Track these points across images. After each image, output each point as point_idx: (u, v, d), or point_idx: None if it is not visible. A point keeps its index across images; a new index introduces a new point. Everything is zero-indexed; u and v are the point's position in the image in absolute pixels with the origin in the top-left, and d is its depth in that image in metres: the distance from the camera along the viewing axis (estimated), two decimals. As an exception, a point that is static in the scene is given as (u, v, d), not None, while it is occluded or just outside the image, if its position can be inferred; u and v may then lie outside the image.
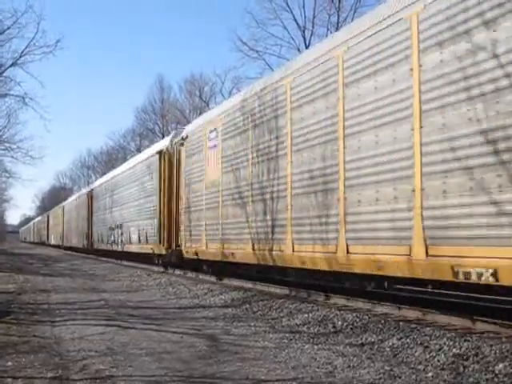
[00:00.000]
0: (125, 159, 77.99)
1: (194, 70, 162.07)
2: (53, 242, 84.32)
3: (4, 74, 38.74)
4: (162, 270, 29.40)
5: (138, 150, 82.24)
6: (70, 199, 75.25)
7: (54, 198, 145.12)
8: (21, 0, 74.17)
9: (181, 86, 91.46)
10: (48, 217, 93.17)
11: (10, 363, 8.98)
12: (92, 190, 52.07)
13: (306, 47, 50.44)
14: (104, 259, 44.97)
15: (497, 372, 7.81)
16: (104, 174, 72.96)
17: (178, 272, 27.15)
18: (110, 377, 8.11)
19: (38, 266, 37.61)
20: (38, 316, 14.00)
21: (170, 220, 26.68)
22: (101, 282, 25.32)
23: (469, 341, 9.24)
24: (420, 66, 10.85)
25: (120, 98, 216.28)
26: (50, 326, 12.48)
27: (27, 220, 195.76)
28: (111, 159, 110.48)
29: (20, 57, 37.91)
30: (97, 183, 53.05)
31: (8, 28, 36.39)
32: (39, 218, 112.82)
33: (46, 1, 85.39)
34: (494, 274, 9.15)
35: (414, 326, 10.80)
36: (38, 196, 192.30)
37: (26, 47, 37.76)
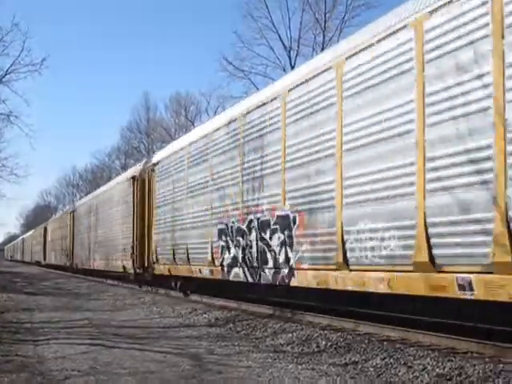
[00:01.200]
0: (110, 178, 78.00)
1: (180, 88, 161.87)
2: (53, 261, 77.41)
3: (-11, 92, 38.69)
4: (148, 289, 29.48)
5: (123, 169, 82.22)
6: (53, 218, 75.49)
7: (38, 216, 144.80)
8: (6, 18, 74.11)
9: (166, 105, 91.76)
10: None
11: (-9, 382, 8.92)
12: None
13: (292, 67, 50.72)
14: (89, 278, 44.76)
15: (480, 392, 7.83)
16: (88, 192, 72.92)
17: (162, 291, 27.10)
18: (92, 396, 8.08)
19: (22, 285, 37.37)
20: (20, 335, 13.91)
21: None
22: (85, 300, 25.18)
23: (452, 361, 9.27)
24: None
25: (105, 116, 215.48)
26: (33, 345, 12.40)
27: (12, 238, 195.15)
28: (96, 178, 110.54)
29: (5, 75, 37.93)
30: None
31: (-8, 46, 36.37)
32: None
33: (32, 19, 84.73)
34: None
35: (397, 345, 10.82)
36: (22, 214, 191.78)
37: (11, 65, 37.82)
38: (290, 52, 55.49)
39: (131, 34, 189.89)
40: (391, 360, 9.87)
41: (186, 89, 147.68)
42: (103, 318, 17.92)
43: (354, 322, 13.50)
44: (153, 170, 26.98)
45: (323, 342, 11.88)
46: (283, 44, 55.83)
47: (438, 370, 8.98)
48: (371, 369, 9.60)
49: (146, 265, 27.73)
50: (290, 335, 12.93)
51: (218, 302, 20.59)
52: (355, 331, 12.84)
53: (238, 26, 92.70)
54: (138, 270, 28.81)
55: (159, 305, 21.45)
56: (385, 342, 11.21)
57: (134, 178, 29.88)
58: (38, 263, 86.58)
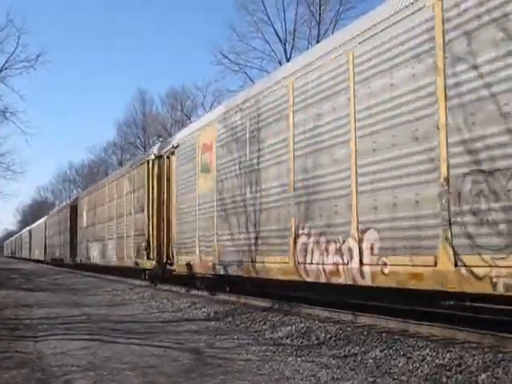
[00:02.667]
0: (106, 173, 77.80)
1: (176, 83, 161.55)
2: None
3: (-16, 89, 38.65)
4: (145, 283, 29.30)
5: (120, 164, 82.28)
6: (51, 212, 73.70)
7: (35, 212, 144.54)
8: (1, 14, 73.99)
9: (163, 100, 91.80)
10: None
11: (-9, 379, 8.93)
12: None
13: (287, 60, 50.67)
14: (86, 274, 44.72)
15: (480, 382, 7.83)
16: (86, 187, 72.03)
17: (161, 286, 27.06)
18: (92, 392, 8.09)
19: (21, 281, 37.34)
20: (20, 331, 13.89)
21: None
22: (83, 296, 25.17)
23: (451, 351, 9.28)
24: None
25: (102, 112, 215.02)
26: (33, 341, 12.39)
27: (9, 234, 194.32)
28: (92, 173, 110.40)
29: (0, 71, 37.80)
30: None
31: (-12, 43, 36.25)
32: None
33: (28, 14, 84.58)
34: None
35: (396, 337, 10.83)
36: (19, 210, 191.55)
37: (6, 61, 37.72)
38: (285, 45, 55.54)
39: (125, 29, 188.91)
40: (390, 351, 9.89)
41: (181, 84, 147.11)
42: (102, 313, 17.91)
43: (352, 313, 13.51)
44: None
45: (322, 335, 11.89)
46: (278, 37, 55.94)
47: (437, 360, 8.99)
48: (371, 360, 9.61)
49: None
50: (289, 328, 12.94)
51: (217, 296, 20.57)
52: (354, 323, 12.86)
53: (233, 20, 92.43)
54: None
55: (158, 299, 21.44)
56: (384, 334, 11.22)
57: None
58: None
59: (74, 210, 50.47)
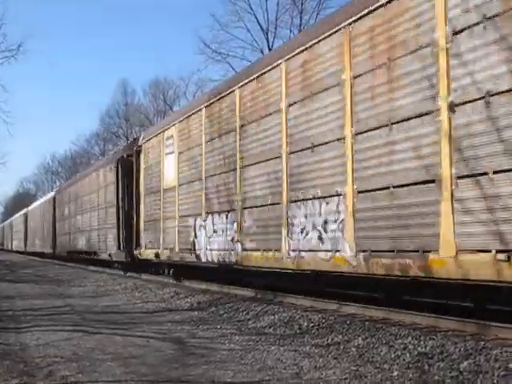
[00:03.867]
0: (89, 164, 77.48)
1: (158, 72, 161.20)
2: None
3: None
4: (127, 274, 29.37)
5: (102, 155, 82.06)
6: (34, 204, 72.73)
7: (18, 203, 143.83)
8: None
9: (145, 90, 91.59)
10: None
11: (-26, 371, 8.89)
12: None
13: (269, 49, 50.60)
14: (70, 265, 44.62)
15: (461, 370, 7.87)
16: (68, 179, 71.50)
17: (144, 276, 27.06)
18: (75, 383, 8.06)
19: (3, 273, 37.21)
20: (2, 323, 13.85)
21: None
22: (66, 287, 25.16)
23: (434, 339, 9.32)
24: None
25: (84, 103, 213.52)
26: (15, 333, 12.36)
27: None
28: (75, 164, 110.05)
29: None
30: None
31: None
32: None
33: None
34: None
35: (379, 325, 10.85)
36: (2, 202, 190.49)
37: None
38: (267, 34, 55.36)
39: (108, 19, 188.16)
40: (373, 340, 9.92)
41: (164, 74, 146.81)
42: (85, 304, 17.90)
43: (336, 303, 13.52)
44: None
45: (305, 324, 11.91)
46: (260, 26, 55.70)
47: (419, 348, 9.03)
48: (353, 349, 9.65)
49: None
50: (273, 317, 12.96)
51: (200, 286, 20.57)
52: (337, 312, 12.86)
53: (217, 9, 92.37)
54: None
55: (141, 290, 21.46)
56: (366, 322, 11.24)
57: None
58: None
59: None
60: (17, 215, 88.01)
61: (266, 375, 8.23)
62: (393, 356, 8.92)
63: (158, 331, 12.22)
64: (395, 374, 8.06)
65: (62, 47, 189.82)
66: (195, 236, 19.43)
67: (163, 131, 23.16)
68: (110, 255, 31.07)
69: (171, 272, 24.08)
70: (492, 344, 8.66)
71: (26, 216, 72.37)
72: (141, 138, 27.01)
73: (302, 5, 53.60)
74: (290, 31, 53.15)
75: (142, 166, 25.87)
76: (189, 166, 20.29)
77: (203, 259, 18.78)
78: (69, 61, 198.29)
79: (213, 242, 18.05)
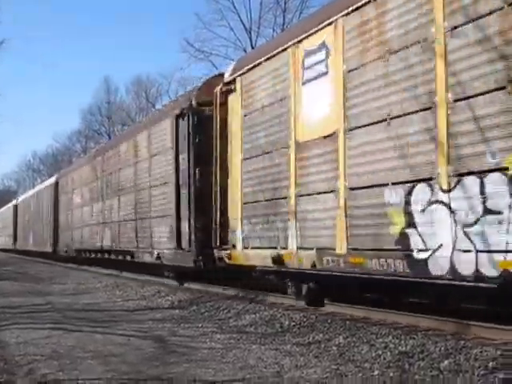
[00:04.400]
0: (70, 161, 77.14)
1: (141, 70, 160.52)
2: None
3: None
4: (111, 272, 29.08)
5: (84, 152, 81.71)
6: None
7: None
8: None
9: (128, 88, 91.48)
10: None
11: (-48, 369, 8.84)
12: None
13: (252, 48, 50.53)
14: (52, 262, 44.37)
15: (442, 369, 7.90)
16: (50, 176, 68.24)
17: (125, 274, 26.93)
18: (55, 381, 8.03)
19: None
20: (-19, 321, 13.79)
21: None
22: (48, 285, 25.05)
23: (414, 338, 9.36)
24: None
25: (67, 100, 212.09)
26: (-5, 331, 12.32)
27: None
28: (57, 161, 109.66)
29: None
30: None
31: None
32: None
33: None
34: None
35: (360, 324, 10.89)
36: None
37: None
38: (250, 33, 55.32)
39: (91, 16, 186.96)
40: (354, 339, 9.95)
41: (147, 71, 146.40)
42: (66, 301, 17.84)
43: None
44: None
45: (287, 322, 11.93)
46: (244, 25, 55.65)
47: (400, 347, 9.07)
48: (334, 348, 9.66)
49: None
50: (254, 316, 12.97)
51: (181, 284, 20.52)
52: (318, 311, 12.89)
53: (200, 7, 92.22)
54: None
55: (122, 288, 21.39)
56: (347, 321, 11.27)
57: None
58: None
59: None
60: (3, 208, 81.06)
61: (247, 374, 8.21)
62: (373, 355, 8.94)
63: (138, 329, 12.19)
64: (376, 372, 8.07)
65: (45, 46, 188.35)
66: (410, 224, 9.88)
67: (297, 43, 13.18)
68: (159, 257, 20.83)
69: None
70: (472, 343, 8.71)
71: (15, 209, 65.00)
72: (229, 70, 16.74)
73: (285, 4, 53.59)
74: (273, 30, 53.18)
75: (237, 113, 15.75)
76: (380, 90, 10.70)
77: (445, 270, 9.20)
78: (52, 59, 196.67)
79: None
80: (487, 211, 8.41)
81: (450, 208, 9.04)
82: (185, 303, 16.18)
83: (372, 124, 10.82)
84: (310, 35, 12.80)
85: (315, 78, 12.58)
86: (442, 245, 9.18)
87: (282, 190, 13.53)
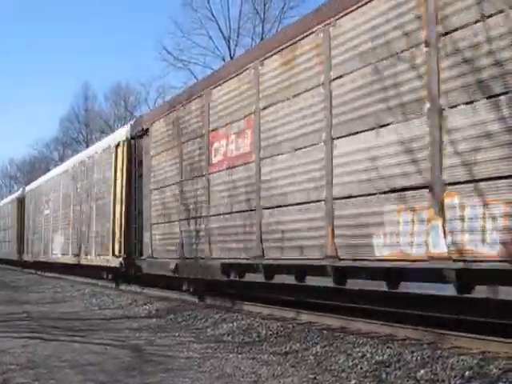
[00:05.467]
0: (48, 169, 76.70)
1: (120, 78, 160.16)
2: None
3: None
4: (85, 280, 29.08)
5: (61, 160, 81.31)
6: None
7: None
8: None
9: (106, 96, 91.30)
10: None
11: None
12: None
13: (231, 57, 50.70)
14: (26, 270, 44.17)
15: (418, 378, 7.92)
16: (28, 183, 67.09)
17: (100, 283, 26.88)
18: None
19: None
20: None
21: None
22: (23, 293, 24.90)
23: (391, 348, 9.38)
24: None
25: (44, 106, 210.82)
26: (-31, 340, 12.21)
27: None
28: (34, 169, 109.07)
29: None
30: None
31: None
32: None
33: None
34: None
35: (337, 334, 10.92)
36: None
37: None
38: (229, 42, 55.53)
39: (70, 21, 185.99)
40: (331, 348, 9.96)
41: (126, 79, 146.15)
42: (42, 310, 17.75)
43: (295, 311, 13.57)
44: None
45: (264, 332, 11.92)
46: (222, 34, 55.86)
47: (377, 357, 9.08)
48: (311, 357, 9.66)
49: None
50: (231, 325, 12.96)
51: (158, 293, 20.50)
52: (296, 320, 12.91)
53: (178, 17, 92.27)
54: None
55: (99, 296, 21.33)
56: (325, 331, 11.29)
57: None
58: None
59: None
60: None
61: (224, 383, 8.22)
62: (350, 364, 8.96)
63: (115, 338, 12.14)
64: (353, 382, 8.08)
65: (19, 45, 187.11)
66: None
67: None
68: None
69: None
70: (448, 353, 8.73)
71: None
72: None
73: (264, 14, 54.01)
74: (252, 39, 53.44)
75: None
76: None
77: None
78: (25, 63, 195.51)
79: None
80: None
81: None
82: (162, 312, 16.14)
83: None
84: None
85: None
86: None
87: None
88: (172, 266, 18.29)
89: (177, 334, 12.55)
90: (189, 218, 17.33)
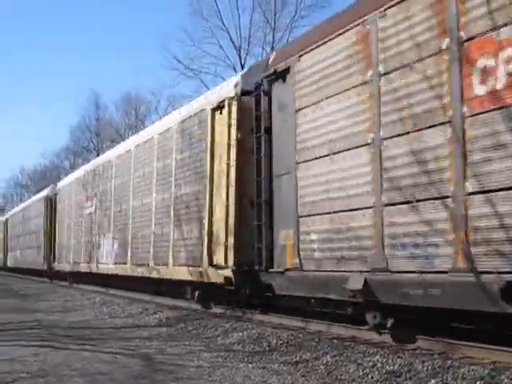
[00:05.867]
0: (59, 178, 76.84)
1: (132, 88, 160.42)
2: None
3: None
4: (96, 289, 29.05)
5: (72, 169, 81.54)
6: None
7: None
8: None
9: (117, 105, 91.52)
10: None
11: None
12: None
13: (242, 66, 50.73)
14: (36, 279, 44.15)
15: (429, 388, 7.91)
16: (39, 192, 66.02)
17: (112, 292, 26.88)
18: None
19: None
20: (-34, 338, 13.69)
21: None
22: (34, 302, 24.92)
23: (402, 357, 9.34)
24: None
25: (55, 115, 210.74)
26: (-20, 348, 12.23)
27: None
28: (45, 178, 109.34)
29: None
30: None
31: None
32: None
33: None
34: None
35: (347, 343, 10.88)
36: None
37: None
38: (240, 51, 55.55)
39: (70, 21, 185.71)
40: (341, 358, 9.93)
41: (136, 88, 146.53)
42: (53, 319, 17.76)
43: (305, 320, 13.54)
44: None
45: (274, 341, 11.89)
46: (233, 43, 55.89)
47: (387, 366, 9.04)
48: (322, 367, 9.64)
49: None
50: (241, 334, 12.94)
51: (168, 302, 20.48)
52: (306, 329, 12.89)
53: (187, 25, 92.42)
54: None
55: (109, 305, 21.32)
56: (335, 340, 11.26)
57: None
58: None
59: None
60: None
61: (234, 392, 8.22)
62: (361, 374, 8.93)
63: (125, 347, 12.14)
64: (363, 392, 8.08)
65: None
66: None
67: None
68: None
69: None
70: (459, 363, 8.70)
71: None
72: None
73: (274, 23, 53.98)
74: (263, 49, 53.46)
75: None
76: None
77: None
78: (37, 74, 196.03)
79: None
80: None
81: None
82: (172, 321, 16.13)
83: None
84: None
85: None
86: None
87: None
88: (355, 285, 10.97)
89: (187, 343, 12.54)
90: (408, 199, 9.94)
